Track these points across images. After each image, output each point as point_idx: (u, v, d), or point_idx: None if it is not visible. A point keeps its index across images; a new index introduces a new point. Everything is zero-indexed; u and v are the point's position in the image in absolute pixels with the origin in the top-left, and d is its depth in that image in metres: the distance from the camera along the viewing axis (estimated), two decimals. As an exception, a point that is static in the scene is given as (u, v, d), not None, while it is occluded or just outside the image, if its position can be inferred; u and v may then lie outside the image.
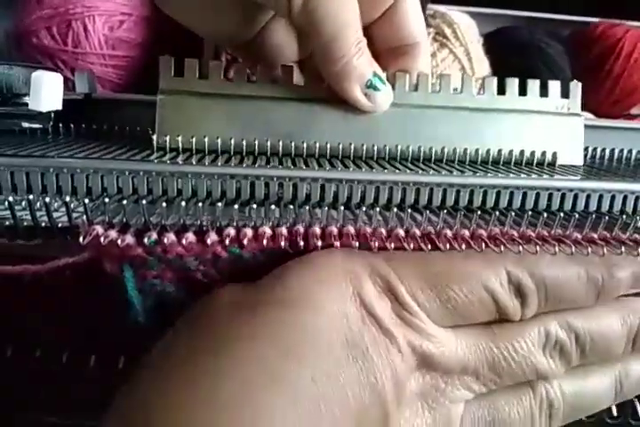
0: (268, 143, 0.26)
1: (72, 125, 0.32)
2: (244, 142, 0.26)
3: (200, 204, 0.22)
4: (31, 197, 0.21)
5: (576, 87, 0.30)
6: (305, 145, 0.27)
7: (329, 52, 0.25)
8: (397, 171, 0.26)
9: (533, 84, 0.29)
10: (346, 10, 0.25)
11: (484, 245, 0.22)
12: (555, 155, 0.29)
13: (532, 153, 0.29)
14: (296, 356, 0.18)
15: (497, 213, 0.23)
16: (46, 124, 0.30)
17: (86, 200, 0.21)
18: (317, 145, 0.27)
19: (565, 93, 0.30)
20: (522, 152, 0.29)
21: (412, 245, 0.21)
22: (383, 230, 0.22)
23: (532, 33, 0.53)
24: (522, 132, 0.29)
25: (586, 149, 0.37)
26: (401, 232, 0.22)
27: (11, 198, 0.21)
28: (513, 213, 0.23)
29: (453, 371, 0.21)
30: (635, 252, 0.22)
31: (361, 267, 0.21)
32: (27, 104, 0.26)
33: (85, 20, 0.42)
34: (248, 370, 0.18)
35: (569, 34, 0.60)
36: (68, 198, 0.21)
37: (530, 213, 0.23)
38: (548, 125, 0.29)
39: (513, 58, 0.50)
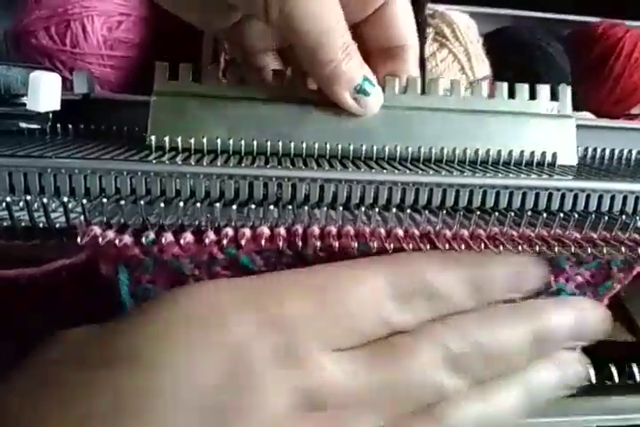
0: (257, 143, 0.27)
1: (70, 126, 0.32)
2: (236, 143, 0.26)
3: (198, 204, 0.22)
4: (29, 197, 0.21)
5: (565, 90, 0.30)
6: (296, 145, 0.27)
7: (315, 59, 0.25)
8: (397, 171, 0.25)
9: (522, 88, 0.30)
10: (327, 15, 0.24)
11: (483, 245, 0.22)
12: (544, 155, 0.29)
13: (521, 153, 0.29)
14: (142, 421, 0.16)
15: (496, 213, 0.23)
16: (44, 125, 0.30)
17: (84, 201, 0.21)
18: (309, 145, 0.27)
19: (555, 96, 0.30)
20: (510, 153, 0.29)
21: (410, 246, 0.21)
22: (382, 230, 0.22)
23: (532, 33, 0.53)
24: (512, 134, 0.29)
25: (586, 149, 0.37)
26: (400, 232, 0.22)
27: (8, 199, 0.21)
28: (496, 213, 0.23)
29: (343, 402, 0.18)
30: (634, 252, 0.22)
31: (240, 303, 0.19)
32: (25, 104, 0.26)
33: (84, 20, 0.42)
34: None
35: (569, 33, 0.59)
36: (65, 199, 0.21)
37: (513, 213, 0.23)
38: (538, 127, 0.29)
39: (513, 58, 0.50)
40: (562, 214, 0.23)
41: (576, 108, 0.57)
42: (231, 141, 0.26)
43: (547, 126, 0.29)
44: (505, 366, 0.21)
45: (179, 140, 0.26)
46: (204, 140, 0.26)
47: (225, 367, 0.17)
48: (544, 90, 0.30)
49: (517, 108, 0.29)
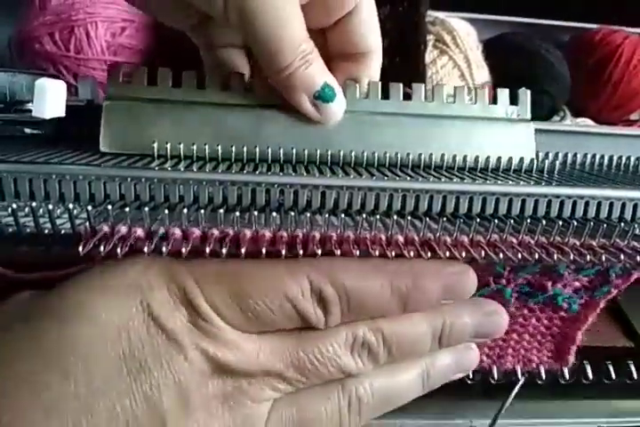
0: (210, 150, 0.26)
1: (75, 131, 0.32)
2: (192, 148, 0.26)
3: (202, 211, 0.22)
4: (34, 204, 0.21)
5: (524, 94, 0.30)
6: (252, 151, 0.26)
7: (273, 64, 0.25)
8: (397, 178, 0.26)
9: (482, 92, 0.30)
10: (286, 19, 0.24)
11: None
12: (499, 160, 0.29)
13: (476, 159, 0.29)
14: (61, 370, 0.19)
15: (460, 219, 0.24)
16: (49, 131, 0.30)
17: (89, 207, 0.21)
18: (267, 151, 0.26)
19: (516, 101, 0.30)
20: (464, 158, 0.29)
21: (411, 253, 0.21)
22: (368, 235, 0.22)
23: (531, 39, 0.53)
24: (470, 138, 0.29)
25: (585, 155, 0.37)
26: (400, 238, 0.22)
27: (14, 205, 0.21)
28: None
29: (255, 374, 0.21)
30: (633, 259, 0.22)
31: (157, 276, 0.21)
32: (30, 111, 0.27)
33: (88, 26, 0.43)
34: (7, 383, 0.18)
35: (568, 40, 0.60)
36: (70, 205, 0.21)
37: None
38: (498, 131, 0.29)
39: (512, 64, 0.50)
40: (561, 222, 0.23)
41: (575, 113, 0.57)
42: (184, 148, 0.26)
43: (505, 130, 0.29)
44: (407, 353, 0.24)
45: (136, 145, 0.26)
46: (155, 146, 0.26)
47: (144, 328, 0.20)
48: (503, 94, 0.30)
49: (477, 113, 0.29)
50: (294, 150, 0.27)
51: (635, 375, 0.32)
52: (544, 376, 0.29)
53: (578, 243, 0.23)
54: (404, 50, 0.44)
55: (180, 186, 0.24)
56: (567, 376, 0.31)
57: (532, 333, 0.28)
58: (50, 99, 0.25)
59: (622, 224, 0.24)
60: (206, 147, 0.26)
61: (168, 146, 0.26)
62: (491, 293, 0.26)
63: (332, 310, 0.22)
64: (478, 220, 0.23)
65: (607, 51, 0.57)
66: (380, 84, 0.29)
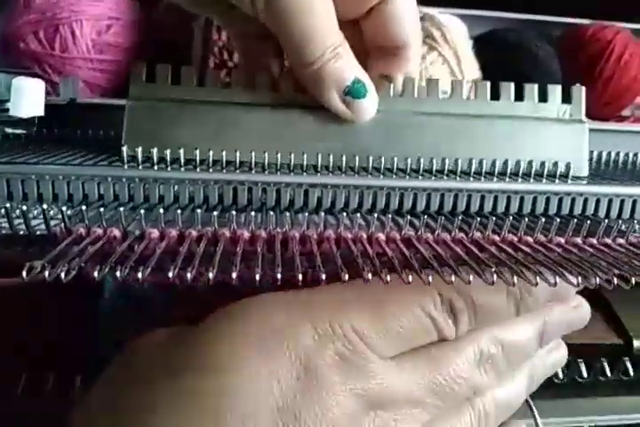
0: (239, 153, 0.25)
1: (57, 131, 0.32)
2: (217, 152, 0.25)
3: (179, 211, 0.21)
4: (8, 204, 0.21)
5: (579, 91, 0.28)
6: (278, 155, 0.25)
7: (300, 57, 0.24)
8: (381, 176, 0.25)
9: (531, 89, 0.27)
10: (316, 10, 0.23)
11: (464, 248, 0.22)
12: (555, 165, 0.27)
13: (529, 164, 0.27)
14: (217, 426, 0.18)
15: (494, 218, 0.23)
16: (30, 130, 0.30)
17: (64, 208, 0.20)
18: (291, 156, 0.25)
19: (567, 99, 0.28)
20: (517, 163, 0.27)
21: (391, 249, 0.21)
22: (364, 234, 0.22)
23: (522, 35, 0.53)
24: (516, 140, 0.27)
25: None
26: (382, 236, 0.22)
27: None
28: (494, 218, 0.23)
29: (399, 403, 0.20)
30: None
31: (300, 317, 0.20)
32: (8, 110, 0.26)
33: (73, 24, 0.42)
34: None
35: (560, 36, 0.60)
36: (45, 206, 0.21)
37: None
38: (547, 132, 0.27)
39: (503, 60, 0.50)
40: (544, 219, 0.23)
41: (567, 109, 0.57)
42: (212, 151, 0.25)
43: (557, 132, 0.27)
44: (520, 360, 0.24)
45: (161, 148, 0.24)
46: (182, 151, 0.24)
47: (294, 374, 0.19)
48: (554, 91, 0.27)
49: (524, 112, 0.27)
50: (319, 155, 0.25)
51: (631, 372, 0.32)
52: None
53: (563, 240, 0.23)
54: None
55: (161, 185, 0.24)
56: (561, 375, 0.31)
57: None
58: (27, 98, 0.25)
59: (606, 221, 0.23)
60: (232, 151, 0.25)
61: (193, 149, 0.24)
62: None
63: (462, 319, 0.22)
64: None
65: (598, 46, 0.57)
66: (416, 80, 0.27)
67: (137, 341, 0.21)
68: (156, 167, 0.24)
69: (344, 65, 0.24)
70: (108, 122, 0.34)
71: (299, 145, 0.25)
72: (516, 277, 0.19)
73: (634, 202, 0.26)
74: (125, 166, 0.24)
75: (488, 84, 0.27)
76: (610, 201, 0.26)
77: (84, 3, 0.43)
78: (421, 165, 0.26)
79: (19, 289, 0.22)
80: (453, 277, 0.19)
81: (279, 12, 0.22)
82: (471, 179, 0.26)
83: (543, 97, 0.27)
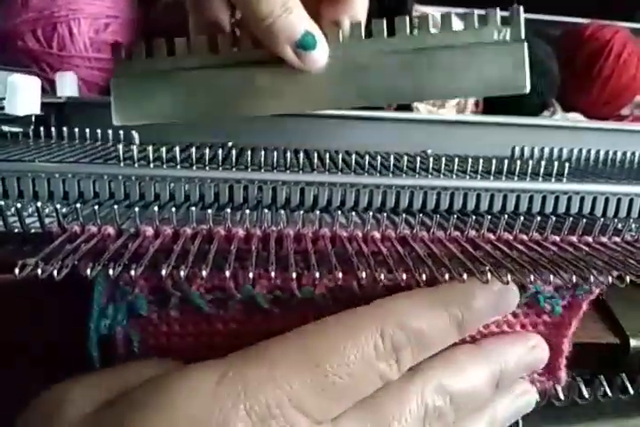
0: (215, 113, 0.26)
1: (54, 129, 0.32)
2: (191, 115, 0.27)
3: (173, 208, 0.21)
4: (2, 202, 0.21)
5: (517, 12, 0.28)
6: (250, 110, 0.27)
7: (252, 13, 0.25)
8: (378, 175, 0.25)
9: (470, 17, 0.28)
10: None
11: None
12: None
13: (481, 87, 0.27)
14: None
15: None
16: (27, 128, 0.30)
17: (58, 206, 0.20)
18: (262, 108, 0.27)
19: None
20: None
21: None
22: (359, 233, 0.22)
23: (520, 34, 0.53)
24: (461, 67, 0.27)
25: (579, 150, 0.37)
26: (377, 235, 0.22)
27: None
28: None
29: None
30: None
31: (233, 399, 0.18)
32: (4, 108, 0.26)
33: (71, 22, 0.42)
34: None
35: (558, 35, 0.59)
36: (40, 204, 0.21)
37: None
38: (488, 55, 0.27)
39: (501, 59, 0.50)
40: (540, 217, 0.23)
41: (566, 109, 0.57)
42: (188, 117, 0.27)
43: (496, 54, 0.27)
44: (473, 408, 0.23)
45: (146, 115, 0.26)
46: (170, 115, 0.26)
47: None
48: (495, 15, 0.28)
49: (466, 39, 0.27)
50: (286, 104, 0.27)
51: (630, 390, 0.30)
52: (538, 398, 0.27)
53: (558, 239, 0.23)
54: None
55: (156, 183, 0.24)
56: (562, 397, 0.28)
57: None
58: (22, 95, 0.25)
59: (602, 219, 0.23)
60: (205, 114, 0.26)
61: (172, 117, 0.26)
62: None
63: (405, 356, 0.20)
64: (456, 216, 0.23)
65: (597, 46, 0.56)
66: (362, 24, 0.28)
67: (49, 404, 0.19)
68: (152, 165, 0.24)
69: (294, 19, 0.25)
70: (104, 120, 0.34)
71: (265, 101, 0.27)
72: (510, 276, 0.19)
73: (630, 200, 0.27)
74: (121, 164, 0.24)
75: (430, 16, 0.28)
76: (606, 199, 0.26)
77: (81, 1, 0.43)
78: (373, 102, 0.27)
79: (19, 287, 0.22)
80: (447, 276, 0.19)
81: None
82: (467, 177, 0.26)
83: (485, 22, 0.28)
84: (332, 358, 0.19)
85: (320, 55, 0.26)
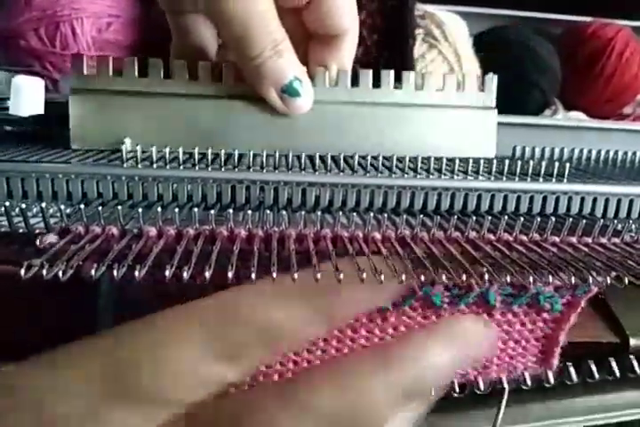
0: (185, 143, 0.25)
1: (56, 128, 0.32)
2: (162, 144, 0.25)
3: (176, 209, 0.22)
4: (7, 203, 0.21)
5: (491, 81, 0.30)
6: (225, 143, 0.26)
7: (241, 52, 0.24)
8: (379, 175, 0.26)
9: (450, 79, 0.29)
10: (256, 8, 0.23)
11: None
12: (463, 149, 0.29)
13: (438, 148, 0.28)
14: None
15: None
16: (30, 128, 0.30)
17: (62, 206, 0.21)
18: (237, 143, 0.26)
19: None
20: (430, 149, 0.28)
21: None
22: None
23: (522, 32, 0.53)
24: (437, 127, 0.29)
25: (580, 150, 0.37)
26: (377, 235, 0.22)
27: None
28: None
29: None
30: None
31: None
32: (8, 108, 0.26)
33: (73, 22, 0.42)
34: None
35: (560, 33, 0.60)
36: (44, 204, 0.21)
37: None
38: (463, 119, 0.29)
39: (503, 58, 0.50)
40: (539, 218, 0.23)
41: (567, 107, 0.57)
42: (154, 143, 0.24)
43: (469, 118, 0.29)
44: None
45: (108, 141, 0.25)
46: (127, 142, 0.25)
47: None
48: (471, 81, 0.29)
49: (445, 101, 0.29)
50: (265, 145, 0.26)
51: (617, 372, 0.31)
52: (529, 382, 0.28)
53: (558, 239, 0.23)
54: (393, 44, 0.44)
55: (159, 184, 0.24)
56: (552, 380, 0.29)
57: (516, 339, 0.27)
58: (26, 96, 0.25)
59: (602, 220, 0.24)
60: (176, 143, 0.25)
61: (138, 142, 0.25)
62: (475, 300, 0.25)
63: (249, 353, 0.18)
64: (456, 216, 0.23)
65: (599, 44, 0.57)
66: (349, 72, 0.28)
67: None
68: (155, 166, 0.24)
69: (284, 64, 0.25)
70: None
71: (240, 136, 0.27)
72: (509, 277, 0.19)
73: (630, 201, 0.27)
74: (125, 165, 0.24)
75: (412, 74, 0.29)
76: (607, 200, 0.26)
77: (84, 0, 0.43)
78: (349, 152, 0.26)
79: (18, 287, 0.22)
80: (444, 277, 0.19)
81: (221, 9, 0.23)
82: (469, 177, 0.26)
83: (463, 85, 0.30)
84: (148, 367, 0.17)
85: (305, 102, 0.26)
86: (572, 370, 0.29)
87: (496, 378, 0.27)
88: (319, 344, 0.24)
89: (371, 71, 0.28)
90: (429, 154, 0.26)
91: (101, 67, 0.26)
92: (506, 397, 0.29)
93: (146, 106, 0.26)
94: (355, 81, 0.28)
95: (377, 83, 0.28)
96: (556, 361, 0.28)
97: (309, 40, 0.28)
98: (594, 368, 0.30)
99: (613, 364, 0.30)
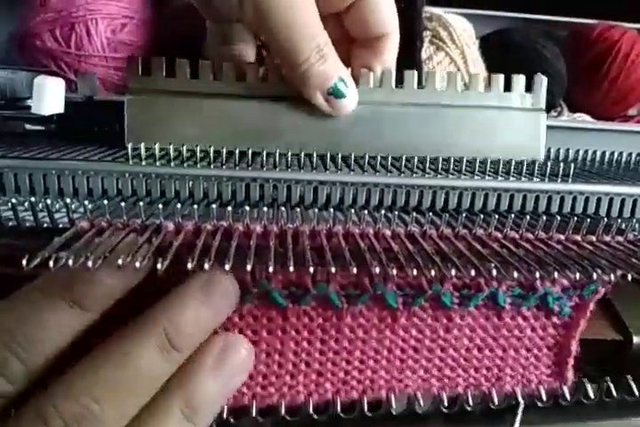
0: (229, 145, 0.26)
1: (74, 127, 0.33)
2: (209, 143, 0.26)
3: (195, 205, 0.22)
4: (33, 198, 0.22)
5: (540, 82, 0.30)
6: (271, 143, 0.27)
7: (286, 60, 0.25)
8: (389, 174, 0.26)
9: (497, 79, 0.29)
10: (300, 15, 0.24)
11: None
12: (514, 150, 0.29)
13: (498, 149, 0.29)
14: None
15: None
16: (49, 127, 0.31)
17: (86, 202, 0.21)
18: (282, 144, 0.27)
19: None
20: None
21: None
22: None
23: (528, 35, 0.53)
24: (482, 128, 0.29)
25: (577, 151, 0.37)
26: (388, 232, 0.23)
27: (14, 200, 0.22)
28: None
29: None
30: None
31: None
32: (29, 107, 0.27)
33: (88, 22, 0.43)
34: None
35: (566, 35, 0.60)
36: (68, 200, 0.22)
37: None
38: (512, 121, 0.29)
39: (509, 60, 0.51)
40: (545, 217, 0.24)
41: (573, 109, 0.57)
42: (205, 143, 0.26)
43: (518, 119, 0.29)
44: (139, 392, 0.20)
45: (161, 141, 0.26)
46: (180, 144, 0.26)
47: None
48: (519, 81, 0.29)
49: (492, 102, 0.29)
50: (308, 145, 0.27)
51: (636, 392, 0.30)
52: (545, 398, 0.27)
53: (563, 237, 0.24)
54: (401, 46, 0.44)
55: (176, 181, 0.25)
56: (568, 397, 0.28)
57: (528, 346, 0.27)
58: (48, 96, 0.26)
59: (605, 219, 0.24)
60: (224, 142, 0.26)
61: (188, 141, 0.26)
62: (484, 301, 0.25)
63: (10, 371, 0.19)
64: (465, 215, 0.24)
65: (605, 46, 0.57)
66: (393, 73, 0.28)
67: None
68: (172, 164, 0.25)
69: (328, 67, 0.25)
70: (123, 119, 0.35)
71: (284, 136, 0.27)
72: (516, 273, 0.20)
73: (634, 201, 0.27)
74: (143, 163, 0.25)
75: (459, 75, 0.29)
76: (611, 200, 0.27)
77: (99, 1, 0.44)
78: (402, 160, 0.27)
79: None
80: (453, 272, 0.19)
81: (266, 18, 0.24)
82: (475, 177, 0.27)
83: (508, 87, 0.29)
84: None
85: (350, 103, 0.27)
86: (589, 387, 0.28)
87: (510, 392, 0.27)
88: (331, 345, 0.24)
89: (415, 72, 0.28)
90: (476, 156, 0.27)
91: (155, 68, 0.27)
92: (520, 413, 0.29)
93: (194, 106, 0.27)
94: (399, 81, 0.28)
95: (420, 84, 0.29)
96: (570, 375, 0.27)
97: (351, 43, 0.29)
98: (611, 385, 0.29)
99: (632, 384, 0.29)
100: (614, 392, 0.29)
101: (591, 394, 0.28)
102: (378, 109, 0.28)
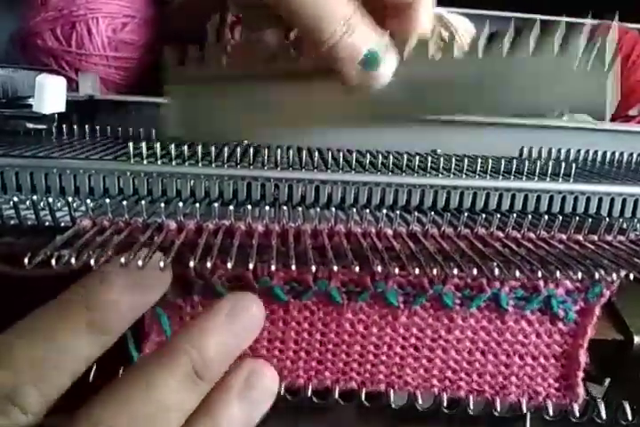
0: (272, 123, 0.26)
1: (75, 126, 0.33)
2: (247, 129, 0.27)
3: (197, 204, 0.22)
4: (35, 197, 0.22)
5: (604, 41, 0.28)
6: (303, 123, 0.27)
7: (313, 35, 0.24)
8: (390, 173, 0.26)
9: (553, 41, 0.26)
10: None
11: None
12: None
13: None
14: None
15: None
16: (50, 125, 0.31)
17: (88, 200, 0.21)
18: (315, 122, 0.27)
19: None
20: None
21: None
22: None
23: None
24: (540, 94, 0.27)
25: (577, 151, 0.37)
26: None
27: (15, 198, 0.22)
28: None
29: None
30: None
31: None
32: (31, 106, 0.27)
33: (89, 21, 0.43)
34: None
35: (567, 36, 0.60)
36: (70, 198, 0.22)
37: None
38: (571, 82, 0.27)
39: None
40: (547, 216, 0.24)
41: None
42: (242, 127, 0.27)
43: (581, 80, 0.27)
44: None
45: (199, 129, 0.26)
46: (224, 126, 0.27)
47: None
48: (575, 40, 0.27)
49: (544, 66, 0.26)
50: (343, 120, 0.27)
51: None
52: (551, 411, 0.26)
53: (565, 237, 0.24)
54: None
55: (178, 180, 0.25)
56: (577, 414, 0.27)
57: (533, 354, 0.26)
58: (49, 95, 0.26)
59: (607, 219, 0.24)
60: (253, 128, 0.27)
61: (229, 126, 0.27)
62: (486, 302, 0.25)
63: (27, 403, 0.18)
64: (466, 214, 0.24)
65: (606, 47, 0.57)
66: (428, 41, 0.27)
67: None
68: (174, 162, 0.25)
69: (356, 39, 0.24)
70: (124, 118, 0.35)
71: (318, 113, 0.27)
72: (518, 272, 0.20)
73: (635, 201, 0.27)
74: (145, 162, 0.25)
75: (506, 38, 0.26)
76: (612, 200, 0.27)
77: (100, 0, 0.43)
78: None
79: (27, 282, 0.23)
80: (455, 271, 0.19)
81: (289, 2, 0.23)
82: (477, 177, 0.27)
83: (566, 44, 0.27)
84: None
85: (384, 73, 0.26)
86: (601, 407, 0.27)
87: (515, 403, 0.26)
88: (332, 338, 0.24)
89: (454, 41, 0.27)
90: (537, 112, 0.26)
91: (192, 57, 0.28)
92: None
93: (230, 93, 0.27)
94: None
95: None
96: (581, 391, 0.26)
97: (384, 12, 0.27)
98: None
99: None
100: (629, 415, 0.27)
101: (603, 414, 0.27)
102: (417, 79, 0.26)
